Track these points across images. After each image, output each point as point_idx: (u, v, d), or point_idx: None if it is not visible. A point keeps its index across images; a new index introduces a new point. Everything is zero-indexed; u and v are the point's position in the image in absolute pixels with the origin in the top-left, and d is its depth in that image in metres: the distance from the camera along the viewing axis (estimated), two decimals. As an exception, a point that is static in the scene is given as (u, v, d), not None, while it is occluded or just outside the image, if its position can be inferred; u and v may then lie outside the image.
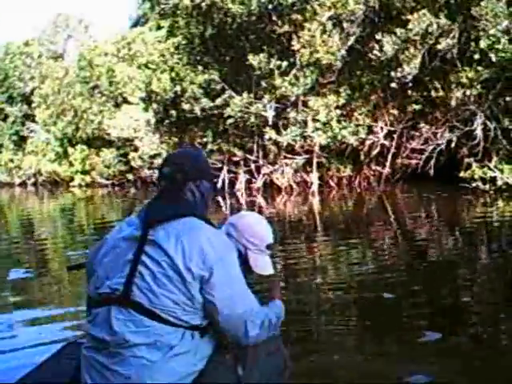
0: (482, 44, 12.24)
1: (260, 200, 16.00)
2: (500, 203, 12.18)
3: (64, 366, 2.87)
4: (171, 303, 2.36)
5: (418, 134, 15.01)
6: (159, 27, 26.03)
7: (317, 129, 15.03)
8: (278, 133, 15.74)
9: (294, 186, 17.00)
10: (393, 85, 13.31)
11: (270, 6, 15.10)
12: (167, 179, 2.62)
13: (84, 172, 28.42)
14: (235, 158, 18.24)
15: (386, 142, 15.63)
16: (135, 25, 32.52)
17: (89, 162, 27.88)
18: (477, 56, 12.63)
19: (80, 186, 28.52)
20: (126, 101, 25.69)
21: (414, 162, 15.19)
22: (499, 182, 12.70)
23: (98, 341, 2.40)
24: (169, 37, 19.43)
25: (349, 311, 5.39)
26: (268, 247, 2.93)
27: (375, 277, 6.63)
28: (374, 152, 15.89)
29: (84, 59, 28.53)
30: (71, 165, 29.00)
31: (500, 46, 12.04)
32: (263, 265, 2.91)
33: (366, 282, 6.45)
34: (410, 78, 12.67)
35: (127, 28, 33.38)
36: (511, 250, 8.12)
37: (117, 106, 26.36)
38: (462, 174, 13.00)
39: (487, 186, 12.80)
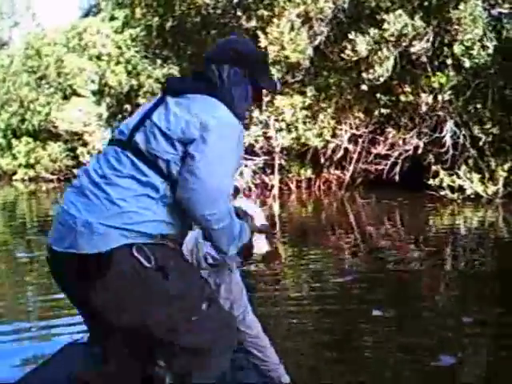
0: (456, 49, 11.94)
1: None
2: (467, 212, 11.93)
3: (63, 366, 2.90)
4: (165, 153, 2.43)
5: (383, 138, 14.63)
6: (112, 18, 25.17)
7: (281, 129, 14.51)
8: (240, 132, 15.17)
9: (253, 187, 16.44)
10: (363, 87, 12.86)
11: (236, 0, 14.54)
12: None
13: (28, 165, 27.22)
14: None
15: (350, 146, 15.22)
16: (86, 15, 31.50)
17: (34, 156, 26.69)
18: (449, 61, 12.32)
19: (23, 180, 27.36)
20: (75, 93, 24.73)
21: (378, 167, 14.81)
22: (468, 191, 12.42)
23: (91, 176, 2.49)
24: (125, 28, 18.63)
25: (329, 332, 4.89)
26: (261, 230, 3.03)
27: (347, 288, 6.23)
28: (338, 156, 15.46)
29: (31, 48, 27.37)
30: (14, 157, 27.74)
31: (474, 52, 11.77)
32: (259, 245, 3.07)
33: (338, 293, 6.04)
34: (381, 80, 12.24)
35: (77, 18, 32.30)
36: (478, 260, 7.87)
37: (65, 97, 25.36)
38: (430, 182, 12.67)
39: (455, 195, 12.51)
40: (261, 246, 3.13)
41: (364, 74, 12.38)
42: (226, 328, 2.65)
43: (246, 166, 16.41)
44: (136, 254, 2.41)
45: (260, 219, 3.09)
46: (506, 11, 12.15)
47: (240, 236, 2.62)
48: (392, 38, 11.73)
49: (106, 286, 2.44)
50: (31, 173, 27.16)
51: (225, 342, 2.63)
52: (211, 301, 2.64)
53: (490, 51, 11.95)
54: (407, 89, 13.11)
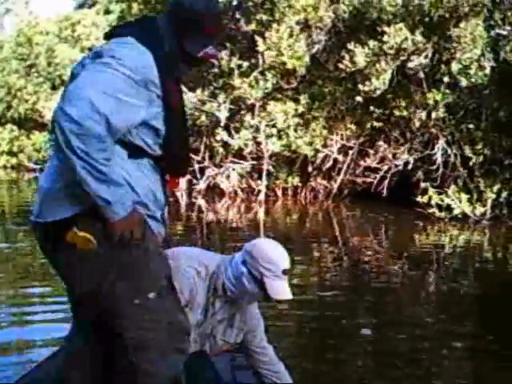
0: (454, 67, 11.90)
1: (201, 203, 15.34)
2: (454, 232, 11.87)
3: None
4: None
5: (373, 152, 14.56)
6: (108, 11, 25.00)
7: (271, 135, 14.39)
8: (230, 135, 15.01)
9: (239, 191, 16.28)
10: (358, 98, 12.79)
11: (235, 2, 14.43)
12: None
13: (11, 153, 26.85)
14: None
15: (340, 157, 15.12)
16: (80, 6, 31.25)
17: (17, 144, 26.33)
18: (446, 79, 12.27)
19: (5, 167, 26.99)
20: (64, 83, 24.45)
21: (366, 180, 14.72)
22: (456, 211, 12.35)
23: None
24: (120, 22, 18.43)
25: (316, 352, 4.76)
26: (284, 272, 2.97)
27: (328, 302, 6.14)
28: (327, 166, 15.34)
29: (23, 35, 27.01)
30: (-3, 144, 27.38)
31: (472, 72, 11.73)
32: (281, 290, 2.97)
33: (319, 307, 5.94)
34: (378, 93, 12.16)
35: (71, 9, 32.05)
36: (461, 281, 7.84)
37: (54, 88, 25.08)
38: (419, 199, 12.59)
39: (443, 214, 12.44)
40: (281, 291, 3.00)
41: (360, 86, 12.30)
42: (169, 331, 2.49)
43: (233, 169, 16.28)
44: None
45: (280, 264, 3.00)
46: (505, 33, 12.13)
47: (121, 187, 2.31)
48: (391, 51, 11.66)
49: (68, 253, 2.40)
50: (13, 161, 26.80)
51: (166, 344, 2.48)
52: (164, 296, 2.48)
53: (487, 72, 11.93)
54: (402, 103, 13.04)
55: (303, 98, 14.21)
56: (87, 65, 2.39)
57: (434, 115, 12.72)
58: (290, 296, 3.00)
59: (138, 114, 2.35)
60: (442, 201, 12.42)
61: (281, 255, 3.02)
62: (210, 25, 2.55)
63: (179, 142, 2.55)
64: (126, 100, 2.29)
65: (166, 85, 2.42)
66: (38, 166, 25.95)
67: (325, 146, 14.71)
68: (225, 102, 14.66)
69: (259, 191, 15.76)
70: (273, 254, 3.00)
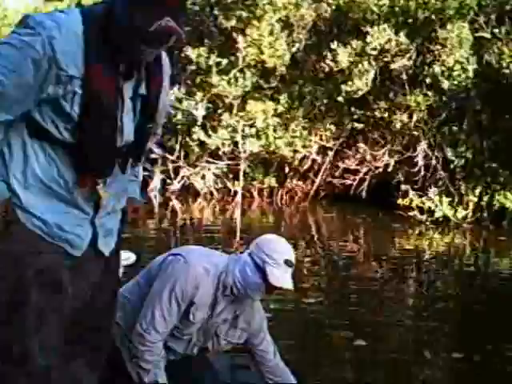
0: (437, 69, 11.77)
1: (175, 203, 15.04)
2: (434, 235, 11.78)
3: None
4: None
5: (353, 153, 14.36)
6: (79, 4, 24.43)
7: (250, 135, 14.10)
8: (207, 134, 14.67)
9: (215, 192, 15.97)
10: (339, 99, 12.58)
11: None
12: None
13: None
14: (152, 156, 16.97)
15: (318, 158, 14.89)
16: (51, -1, 30.58)
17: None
18: (428, 80, 12.14)
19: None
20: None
21: (345, 181, 14.52)
22: (437, 214, 12.23)
23: None
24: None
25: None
26: (287, 263, 3.04)
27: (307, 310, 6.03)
28: (305, 167, 15.11)
29: (-9, 28, 26.35)
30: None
31: (455, 74, 11.61)
32: (281, 278, 3.02)
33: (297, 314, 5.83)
34: (360, 93, 11.98)
35: (41, 2, 31.36)
36: (443, 284, 7.93)
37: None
38: (399, 202, 12.46)
39: (424, 217, 12.32)
40: (281, 279, 3.06)
41: (343, 86, 12.10)
42: None
43: (208, 169, 15.95)
44: None
45: (282, 253, 3.12)
46: (488, 36, 12.04)
47: None
48: (374, 52, 11.48)
49: None
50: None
51: None
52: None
53: (470, 74, 11.83)
54: (383, 105, 12.88)
55: (283, 98, 13.96)
56: None
57: (415, 117, 12.59)
58: (290, 286, 3.05)
59: (34, 93, 2.14)
60: (423, 204, 12.30)
61: (285, 247, 3.19)
62: None
63: (96, 136, 2.21)
64: (22, 81, 2.12)
65: (89, 66, 2.16)
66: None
67: (304, 146, 14.47)
68: (202, 101, 14.33)
69: (235, 192, 15.47)
70: (276, 244, 3.19)
